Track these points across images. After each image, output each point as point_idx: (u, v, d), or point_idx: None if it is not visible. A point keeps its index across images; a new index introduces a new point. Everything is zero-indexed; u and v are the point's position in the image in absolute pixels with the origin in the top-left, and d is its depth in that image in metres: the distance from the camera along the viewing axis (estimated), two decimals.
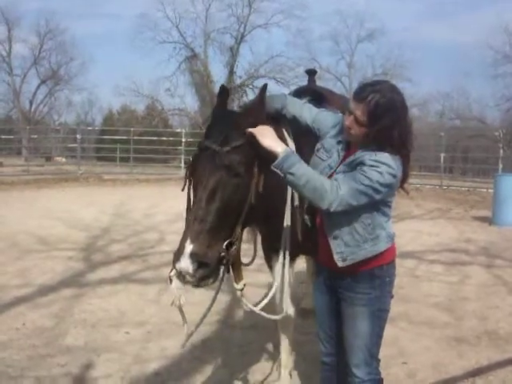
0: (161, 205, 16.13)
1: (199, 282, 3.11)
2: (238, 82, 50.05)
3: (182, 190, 3.34)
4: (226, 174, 3.13)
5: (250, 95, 49.61)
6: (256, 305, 3.69)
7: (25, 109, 57.47)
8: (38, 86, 57.80)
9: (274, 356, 4.75)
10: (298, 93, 5.16)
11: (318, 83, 6.17)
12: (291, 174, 3.04)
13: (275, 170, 3.09)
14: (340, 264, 3.28)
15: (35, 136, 40.26)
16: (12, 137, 39.43)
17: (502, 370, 5.38)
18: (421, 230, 13.14)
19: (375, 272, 3.31)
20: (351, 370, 3.42)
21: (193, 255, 3.01)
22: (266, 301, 3.70)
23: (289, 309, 4.19)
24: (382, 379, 3.56)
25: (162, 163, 35.63)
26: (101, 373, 5.18)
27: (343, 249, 3.26)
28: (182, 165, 29.71)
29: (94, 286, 7.96)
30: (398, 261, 3.47)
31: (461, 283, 8.54)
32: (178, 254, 3.05)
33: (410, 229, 12.92)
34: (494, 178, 16.60)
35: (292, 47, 53.68)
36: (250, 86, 50.07)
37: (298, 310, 5.54)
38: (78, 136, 30.48)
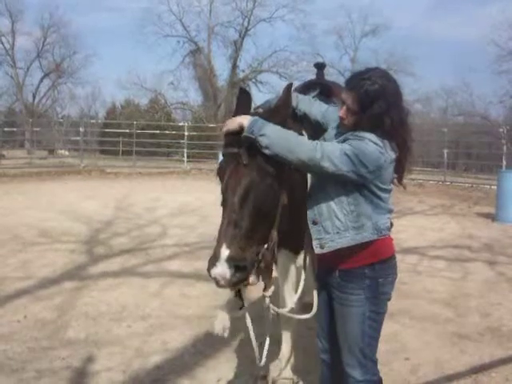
0: (163, 198, 16.13)
1: (234, 285, 3.08)
2: (241, 76, 49.98)
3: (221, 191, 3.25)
4: (257, 175, 3.08)
5: (253, 89, 49.64)
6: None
7: (28, 102, 57.36)
8: (41, 79, 57.70)
9: (276, 350, 4.73)
10: (307, 86, 5.14)
11: (325, 78, 6.13)
12: (263, 135, 3.00)
13: (248, 136, 3.04)
14: (317, 251, 3.24)
15: (38, 129, 40.28)
16: (15, 129, 39.38)
17: (505, 367, 5.36)
18: (423, 226, 13.12)
19: (365, 272, 3.22)
20: (346, 370, 3.38)
21: (229, 260, 2.95)
22: (294, 301, 3.66)
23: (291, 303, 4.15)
24: (381, 379, 3.48)
25: (164, 157, 35.61)
26: (102, 366, 5.17)
27: (322, 235, 3.21)
28: (185, 158, 29.72)
29: (95, 279, 7.95)
30: (400, 256, 3.43)
31: (463, 279, 8.52)
32: (213, 260, 3.00)
33: (412, 224, 12.91)
34: (497, 174, 16.55)
35: (296, 41, 53.72)
36: (253, 80, 50.04)
37: (302, 304, 5.51)
38: (81, 129, 30.56)
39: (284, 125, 3.18)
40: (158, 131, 34.39)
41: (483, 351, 5.74)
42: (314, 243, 3.25)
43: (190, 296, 7.14)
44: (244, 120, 3.10)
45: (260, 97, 49.23)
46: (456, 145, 35.86)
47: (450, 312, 6.94)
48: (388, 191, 3.20)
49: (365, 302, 3.25)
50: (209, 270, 3.01)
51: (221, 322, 3.32)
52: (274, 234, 3.24)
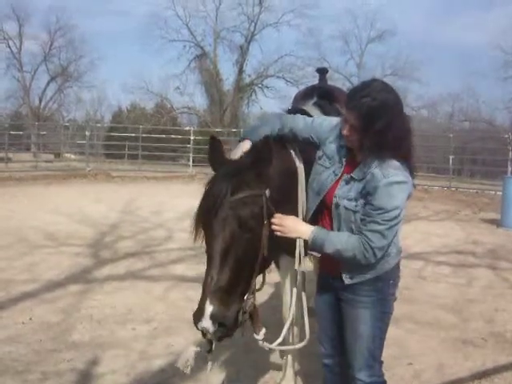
0: (169, 202, 16.13)
1: (219, 339, 3.19)
2: (247, 80, 50.05)
3: (194, 242, 3.33)
4: (238, 230, 3.12)
5: (259, 94, 49.71)
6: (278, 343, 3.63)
7: (34, 105, 57.44)
8: (48, 83, 57.79)
9: (280, 355, 4.75)
10: (307, 92, 5.16)
11: (328, 83, 6.16)
12: (326, 252, 3.15)
13: (311, 253, 3.32)
14: (348, 282, 3.27)
15: (44, 132, 40.32)
16: (21, 133, 39.43)
17: (508, 373, 5.37)
18: (428, 232, 13.11)
19: (379, 276, 3.26)
20: (353, 373, 3.39)
21: (213, 316, 3.04)
22: (281, 338, 3.65)
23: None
24: (385, 381, 3.51)
25: (170, 161, 35.66)
26: (106, 368, 5.21)
27: (353, 268, 3.24)
28: (190, 163, 29.73)
29: (100, 282, 7.99)
30: (404, 262, 3.47)
31: (467, 285, 8.53)
32: (198, 315, 3.10)
33: (417, 230, 12.89)
34: (502, 180, 16.52)
35: (302, 46, 53.72)
36: (259, 85, 50.12)
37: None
38: (87, 133, 30.59)
39: (264, 176, 3.23)
40: (163, 135, 34.40)
41: (486, 357, 5.76)
42: (344, 275, 3.28)
43: (195, 300, 7.01)
44: (303, 234, 3.22)
45: (265, 101, 49.30)
46: (462, 150, 35.81)
47: (453, 317, 6.95)
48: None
49: (377, 303, 3.30)
50: (195, 323, 3.13)
51: (185, 357, 3.41)
52: (254, 281, 3.31)
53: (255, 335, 3.44)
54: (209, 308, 3.05)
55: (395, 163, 3.06)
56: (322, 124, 3.49)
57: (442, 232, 13.45)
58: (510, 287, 8.48)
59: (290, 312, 3.83)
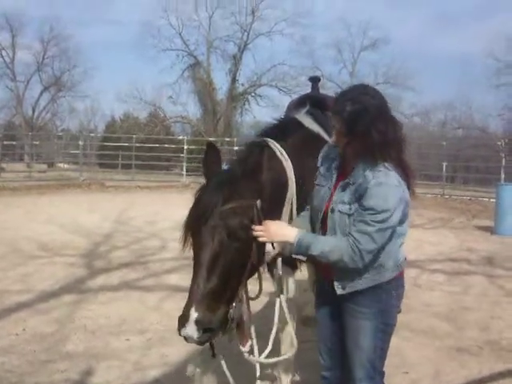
0: (162, 212, 16.09)
1: (203, 344, 3.20)
2: (241, 89, 50.08)
3: (183, 251, 3.34)
4: (227, 239, 3.13)
5: (252, 103, 49.74)
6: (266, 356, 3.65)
7: (27, 115, 57.43)
8: (41, 93, 57.79)
9: (275, 364, 4.71)
10: (300, 100, 5.17)
11: (321, 92, 6.16)
12: (311, 255, 3.14)
13: (296, 257, 3.27)
14: (339, 292, 3.25)
15: (37, 142, 40.26)
16: (14, 143, 39.36)
17: (505, 381, 5.36)
18: (422, 239, 13.08)
19: (382, 286, 3.24)
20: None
21: (198, 322, 3.04)
22: (268, 349, 3.64)
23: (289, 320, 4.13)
24: None
25: (163, 170, 35.63)
26: (101, 379, 5.17)
27: (344, 277, 3.22)
28: (184, 172, 29.71)
29: (94, 293, 7.95)
30: None
31: (462, 293, 8.52)
32: (182, 321, 3.09)
33: (411, 238, 12.77)
34: (495, 187, 16.57)
35: (295, 55, 53.73)
36: (253, 94, 50.11)
37: (300, 318, 5.50)
38: (81, 142, 30.54)
39: (256, 186, 3.30)
40: (157, 145, 34.42)
41: (483, 365, 5.74)
42: (335, 283, 3.26)
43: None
44: (289, 237, 3.18)
45: (258, 110, 49.36)
46: (455, 158, 35.87)
47: (449, 326, 6.94)
48: (407, 219, 3.25)
49: (379, 314, 3.26)
50: (179, 329, 3.11)
51: (193, 366, 3.42)
52: (242, 289, 3.33)
53: (241, 347, 3.46)
54: (194, 314, 3.05)
55: (387, 166, 3.07)
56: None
57: (436, 240, 13.45)
58: (505, 295, 8.49)
59: (274, 321, 3.78)
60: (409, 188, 3.19)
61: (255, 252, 3.25)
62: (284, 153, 3.87)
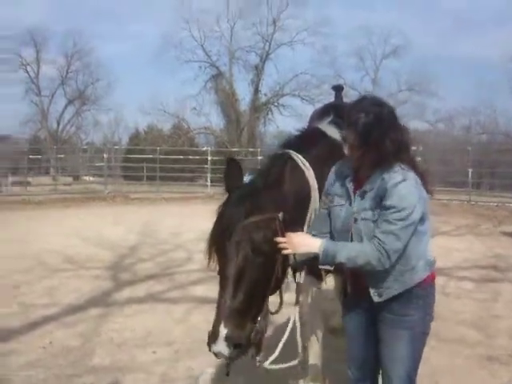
0: (188, 223, 16.09)
1: (234, 360, 3.20)
2: (263, 99, 50.16)
3: (208, 265, 3.35)
4: (251, 254, 3.14)
5: (275, 113, 49.78)
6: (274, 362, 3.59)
7: (52, 129, 58.00)
8: (66, 107, 58.38)
9: (302, 376, 4.66)
10: (324, 110, 5.13)
11: (344, 100, 6.11)
12: (339, 263, 3.14)
13: (323, 267, 3.29)
14: (376, 299, 3.24)
15: (62, 155, 40.61)
16: (40, 156, 39.74)
17: None
18: (449, 246, 12.91)
19: (419, 292, 3.24)
20: None
21: (228, 339, 3.07)
22: (274, 356, 3.58)
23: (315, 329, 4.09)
24: None
25: (188, 182, 35.72)
26: None
27: (379, 284, 3.21)
28: (209, 183, 29.77)
29: (120, 305, 7.96)
30: None
31: (492, 300, 8.40)
32: (213, 337, 3.11)
33: (438, 245, 12.68)
34: None
35: (317, 64, 53.62)
36: (275, 104, 50.16)
37: (327, 328, 5.43)
38: (105, 155, 30.74)
39: (278, 199, 3.33)
40: (181, 156, 34.53)
41: None
42: (372, 291, 3.24)
43: None
44: (313, 248, 3.18)
45: (282, 120, 49.41)
46: (480, 164, 35.56)
47: (478, 334, 6.84)
48: (428, 218, 3.25)
49: (417, 322, 3.26)
50: (209, 345, 3.14)
51: (203, 379, 3.41)
52: (267, 302, 3.35)
53: (256, 357, 3.44)
54: (223, 331, 3.06)
55: (402, 167, 3.12)
56: (326, 184, 3.52)
57: (463, 246, 13.30)
58: None
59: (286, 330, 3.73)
60: (425, 187, 3.21)
61: (279, 265, 3.24)
62: (306, 163, 3.84)
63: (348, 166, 3.32)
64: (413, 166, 3.18)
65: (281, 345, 3.63)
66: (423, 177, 3.21)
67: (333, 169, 3.48)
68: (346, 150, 3.21)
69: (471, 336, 6.76)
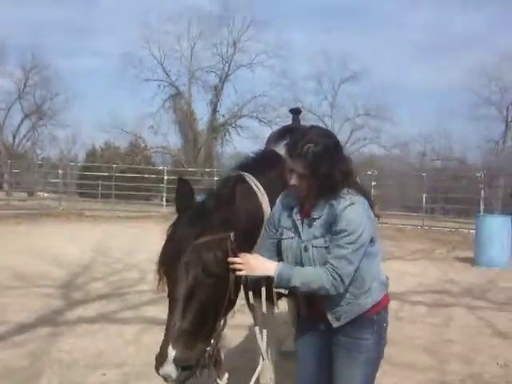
0: (142, 243, 15.92)
1: (182, 382, 3.09)
2: (221, 120, 50.30)
3: (157, 287, 3.29)
4: (201, 274, 3.08)
5: (233, 134, 49.94)
6: None
7: (8, 143, 57.24)
8: (22, 121, 57.74)
9: None
10: (280, 133, 5.12)
11: (302, 123, 6.12)
12: (293, 287, 3.11)
13: (278, 290, 3.24)
14: (335, 324, 3.21)
15: (17, 170, 40.00)
16: None
17: None
18: (403, 271, 13.02)
19: (374, 317, 3.24)
20: None
21: (176, 360, 2.99)
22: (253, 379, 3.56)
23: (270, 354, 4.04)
24: None
25: (143, 200, 35.51)
26: None
27: (336, 308, 3.19)
28: (164, 202, 29.67)
29: (71, 325, 7.79)
30: None
31: (444, 325, 8.45)
32: (160, 359, 3.03)
33: (392, 269, 12.78)
34: (475, 218, 16.64)
35: (276, 87, 54.08)
36: (233, 125, 50.40)
37: (280, 352, 5.39)
38: (60, 171, 30.38)
39: (229, 219, 3.23)
40: (137, 175, 34.35)
41: None
42: (330, 317, 3.22)
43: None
44: (268, 271, 3.17)
45: (239, 141, 49.52)
46: (434, 189, 36.05)
47: (430, 359, 6.85)
48: (378, 239, 3.26)
49: (372, 347, 3.24)
50: (157, 368, 3.05)
51: None
52: (220, 324, 3.28)
53: (218, 380, 3.38)
54: (172, 352, 2.99)
55: (349, 191, 3.12)
56: (272, 215, 3.50)
57: (417, 271, 13.43)
58: (486, 326, 8.42)
59: (262, 356, 3.67)
60: (372, 210, 3.23)
61: (232, 286, 3.20)
62: (260, 186, 3.82)
63: (293, 196, 3.31)
64: (359, 189, 3.20)
65: (256, 375, 3.61)
66: (370, 200, 3.24)
67: (278, 199, 3.45)
68: (291, 180, 3.17)
69: (423, 361, 6.77)
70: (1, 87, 57.50)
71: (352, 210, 3.05)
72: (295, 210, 3.29)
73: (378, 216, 3.32)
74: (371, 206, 3.22)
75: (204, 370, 3.20)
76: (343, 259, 3.02)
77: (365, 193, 3.24)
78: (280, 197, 3.45)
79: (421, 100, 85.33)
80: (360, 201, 3.12)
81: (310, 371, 3.45)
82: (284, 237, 3.35)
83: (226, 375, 3.39)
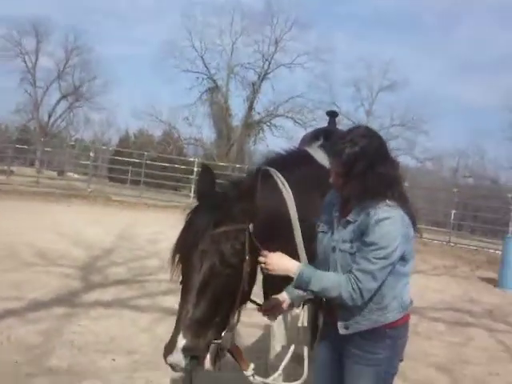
0: (166, 232, 15.82)
1: (190, 372, 3.06)
2: (256, 118, 50.26)
3: (170, 275, 3.24)
4: (218, 264, 3.04)
5: (267, 133, 49.88)
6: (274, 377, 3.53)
7: (43, 121, 57.81)
8: (59, 101, 58.29)
9: None
10: (315, 133, 5.06)
11: (337, 127, 6.04)
12: (311, 290, 3.08)
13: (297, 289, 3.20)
14: (342, 332, 3.15)
15: (50, 149, 40.39)
16: (27, 147, 39.52)
17: None
18: (425, 286, 12.84)
19: (387, 332, 3.14)
20: None
21: (185, 350, 2.96)
22: (279, 371, 3.54)
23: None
24: None
25: (172, 190, 35.59)
26: None
27: (346, 316, 3.13)
28: (192, 194, 29.63)
29: (86, 307, 7.79)
30: None
31: (462, 345, 8.31)
32: (169, 348, 3.00)
33: (413, 283, 12.62)
34: (503, 239, 16.38)
35: (313, 89, 53.82)
36: (268, 124, 50.31)
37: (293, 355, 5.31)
38: (92, 154, 30.56)
39: (249, 211, 3.18)
40: (168, 164, 34.42)
41: None
42: (339, 323, 3.16)
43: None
44: (290, 270, 3.12)
45: (272, 140, 49.44)
46: (464, 206, 35.73)
47: (445, 377, 6.74)
48: (412, 259, 3.19)
49: (383, 361, 3.16)
50: (165, 356, 3.02)
51: None
52: (233, 317, 3.22)
53: (244, 372, 3.33)
54: (181, 341, 2.96)
55: (388, 203, 3.02)
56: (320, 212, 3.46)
57: (438, 287, 13.25)
58: (505, 350, 8.27)
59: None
60: (414, 225, 3.13)
61: (246, 278, 3.14)
62: (285, 183, 3.73)
63: (337, 194, 3.26)
64: (403, 202, 3.09)
65: (284, 363, 3.60)
66: (412, 215, 3.13)
67: (328, 194, 3.42)
68: (331, 178, 3.16)
69: (438, 379, 6.66)
70: (41, 66, 58.02)
71: (387, 224, 2.97)
72: (335, 208, 3.26)
73: (418, 232, 3.22)
74: (414, 222, 3.12)
75: (217, 363, 3.16)
76: (369, 274, 2.95)
77: (409, 208, 3.13)
78: (328, 194, 3.42)
79: (457, 115, 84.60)
80: (399, 215, 3.02)
81: (323, 380, 3.41)
82: (320, 229, 3.33)
83: (252, 365, 3.35)
